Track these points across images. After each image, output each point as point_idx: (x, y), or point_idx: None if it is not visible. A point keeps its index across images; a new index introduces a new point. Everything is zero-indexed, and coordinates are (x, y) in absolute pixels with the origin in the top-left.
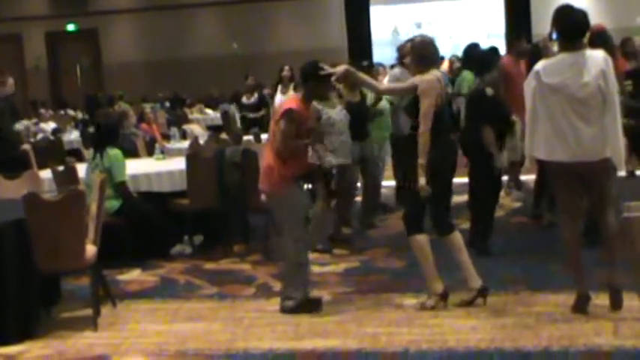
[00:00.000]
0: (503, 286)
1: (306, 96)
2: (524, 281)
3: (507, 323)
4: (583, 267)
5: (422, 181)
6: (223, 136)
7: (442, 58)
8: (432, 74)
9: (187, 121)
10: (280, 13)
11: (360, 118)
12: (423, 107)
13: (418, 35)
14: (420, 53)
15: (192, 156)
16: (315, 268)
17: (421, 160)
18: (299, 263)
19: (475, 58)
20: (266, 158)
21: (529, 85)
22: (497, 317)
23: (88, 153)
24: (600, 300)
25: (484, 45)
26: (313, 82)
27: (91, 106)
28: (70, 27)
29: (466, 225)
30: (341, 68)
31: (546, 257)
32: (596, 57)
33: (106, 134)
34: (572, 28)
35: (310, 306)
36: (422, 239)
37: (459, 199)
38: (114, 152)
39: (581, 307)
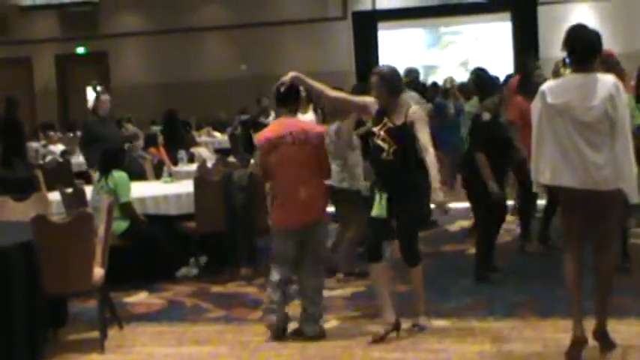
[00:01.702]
0: (510, 311)
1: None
2: (531, 306)
3: (514, 349)
4: (583, 308)
5: (440, 196)
6: (231, 159)
7: (435, 84)
8: (416, 105)
9: (195, 144)
10: (288, 36)
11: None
12: (424, 135)
13: (382, 66)
14: (393, 82)
15: (200, 179)
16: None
17: (438, 185)
18: (271, 287)
19: (477, 85)
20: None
21: (535, 107)
22: (504, 343)
23: (97, 175)
24: (610, 326)
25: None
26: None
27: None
28: (80, 50)
29: (472, 250)
30: (289, 74)
31: (553, 282)
32: (606, 81)
33: (111, 157)
34: (583, 49)
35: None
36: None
37: (464, 223)
38: (119, 174)
39: (575, 352)
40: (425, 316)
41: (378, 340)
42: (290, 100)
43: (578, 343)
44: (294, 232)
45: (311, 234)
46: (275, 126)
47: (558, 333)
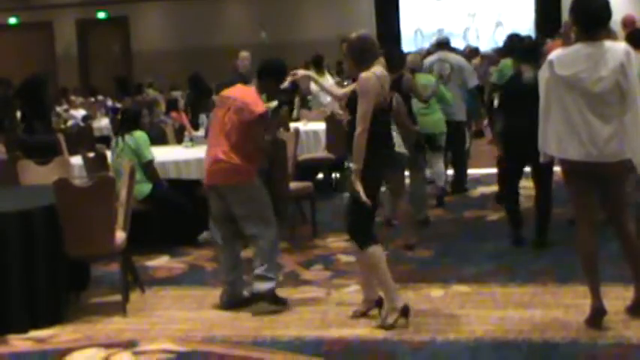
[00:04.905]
0: (531, 278)
1: (259, 92)
2: (552, 272)
3: (535, 314)
4: (599, 279)
5: (359, 188)
6: None
7: (477, 50)
8: (371, 71)
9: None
10: (309, 2)
11: None
12: (360, 108)
13: (354, 33)
14: (359, 50)
15: None
16: (343, 258)
17: (356, 166)
18: (276, 245)
19: (527, 46)
20: (222, 152)
21: (542, 76)
22: (525, 308)
23: (114, 139)
24: (629, 292)
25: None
26: (268, 79)
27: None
28: (101, 14)
29: (493, 217)
30: (302, 72)
31: (574, 248)
32: (616, 49)
33: (129, 120)
34: (591, 17)
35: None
36: (379, 250)
37: (485, 189)
38: (139, 133)
39: (595, 322)
40: (391, 313)
41: (389, 327)
42: (265, 78)
43: (597, 313)
44: (211, 189)
45: (226, 197)
46: (232, 89)
47: (579, 299)
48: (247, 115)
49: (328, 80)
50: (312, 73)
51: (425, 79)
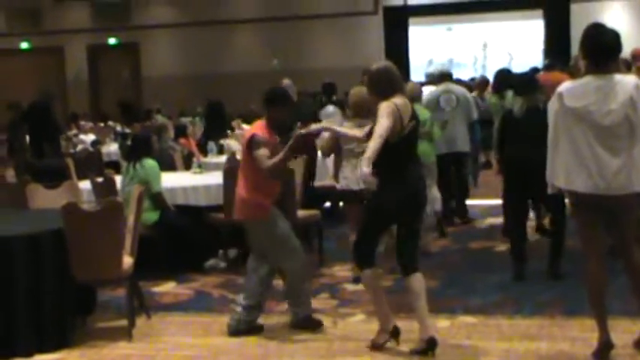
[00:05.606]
0: (539, 310)
1: (269, 122)
2: (559, 305)
3: (541, 347)
4: (607, 311)
5: (365, 170)
6: None
7: (487, 80)
8: (391, 101)
9: (225, 135)
10: (319, 31)
11: None
12: (379, 126)
13: (374, 64)
14: (376, 82)
15: (229, 170)
16: (349, 287)
17: (368, 154)
18: (304, 278)
19: (521, 80)
20: (240, 187)
21: (552, 107)
22: (532, 341)
23: (124, 165)
24: (637, 326)
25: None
26: (274, 107)
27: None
28: (112, 40)
29: (500, 248)
30: (319, 126)
31: (582, 280)
32: (626, 82)
33: (139, 146)
34: (601, 50)
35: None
36: (372, 274)
37: (493, 220)
38: (150, 163)
39: (603, 355)
40: (381, 334)
41: (376, 348)
42: (271, 107)
43: (604, 346)
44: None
45: (247, 232)
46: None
47: (586, 332)
48: (243, 144)
49: (329, 109)
50: (326, 125)
51: (420, 110)
